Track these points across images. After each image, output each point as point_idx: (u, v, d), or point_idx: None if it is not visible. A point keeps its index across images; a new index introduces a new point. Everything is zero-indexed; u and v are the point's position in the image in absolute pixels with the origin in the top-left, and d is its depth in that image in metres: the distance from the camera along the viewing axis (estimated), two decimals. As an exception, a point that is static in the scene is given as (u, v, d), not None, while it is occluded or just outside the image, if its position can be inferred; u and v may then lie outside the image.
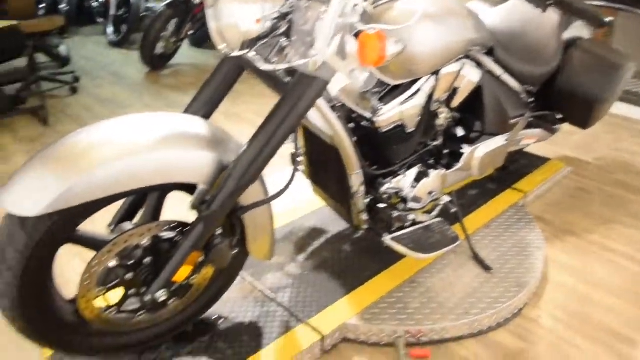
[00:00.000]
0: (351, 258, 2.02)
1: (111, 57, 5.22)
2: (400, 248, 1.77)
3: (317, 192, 2.02)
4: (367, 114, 1.64)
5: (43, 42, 4.38)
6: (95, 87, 4.32)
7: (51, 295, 1.38)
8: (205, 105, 1.54)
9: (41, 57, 4.56)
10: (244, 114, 3.68)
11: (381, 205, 1.79)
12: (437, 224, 1.91)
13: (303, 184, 2.34)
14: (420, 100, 1.68)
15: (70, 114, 3.79)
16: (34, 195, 1.18)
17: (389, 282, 1.90)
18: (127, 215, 1.57)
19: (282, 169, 2.40)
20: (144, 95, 4.13)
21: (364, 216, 1.81)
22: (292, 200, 2.35)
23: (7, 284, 1.27)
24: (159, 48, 4.58)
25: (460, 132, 1.98)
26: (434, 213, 1.93)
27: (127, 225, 1.53)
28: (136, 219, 1.59)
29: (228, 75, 1.54)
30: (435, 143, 1.89)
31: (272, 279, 1.93)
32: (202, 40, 5.45)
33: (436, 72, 1.70)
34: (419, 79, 1.67)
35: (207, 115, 1.54)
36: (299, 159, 2.00)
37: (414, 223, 1.87)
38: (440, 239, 1.84)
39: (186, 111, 1.54)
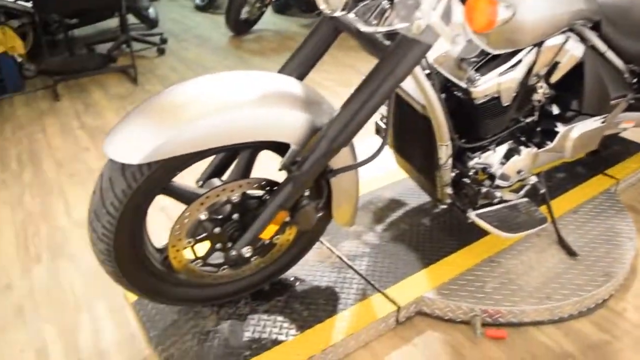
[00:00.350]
0: (430, 232, 1.99)
1: (197, 21, 5.31)
2: (484, 225, 1.73)
3: (400, 163, 1.99)
4: (463, 84, 1.59)
5: (134, 4, 4.50)
6: (181, 49, 4.41)
7: (143, 241, 1.42)
8: (300, 66, 1.53)
9: (131, 19, 4.70)
10: (325, 82, 3.67)
11: (467, 180, 1.74)
12: (524, 204, 1.84)
13: (385, 153, 2.30)
14: (519, 73, 1.61)
15: (157, 74, 3.90)
16: (135, 144, 1.20)
17: (468, 260, 1.86)
18: (216, 172, 1.59)
19: (363, 137, 2.37)
20: (227, 58, 4.18)
21: (448, 190, 1.77)
22: (372, 169, 2.32)
23: (105, 228, 1.31)
24: (244, 13, 4.61)
25: (556, 110, 1.89)
26: (521, 193, 1.86)
27: (216, 182, 1.56)
28: (224, 177, 1.61)
29: (324, 37, 1.52)
30: (528, 120, 1.81)
31: (349, 246, 1.92)
32: (286, 7, 5.45)
33: (539, 44, 1.61)
34: (520, 50, 1.59)
35: (300, 77, 1.53)
36: (383, 125, 1.98)
37: (500, 201, 1.80)
38: (526, 220, 1.78)
39: (280, 71, 1.54)
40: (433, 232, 1.99)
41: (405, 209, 2.13)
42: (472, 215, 1.74)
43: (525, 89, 1.70)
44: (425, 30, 1.25)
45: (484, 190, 1.73)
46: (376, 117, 1.95)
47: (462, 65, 1.59)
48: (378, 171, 2.34)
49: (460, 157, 1.74)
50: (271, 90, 1.33)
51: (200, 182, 1.60)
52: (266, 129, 1.30)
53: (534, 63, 1.64)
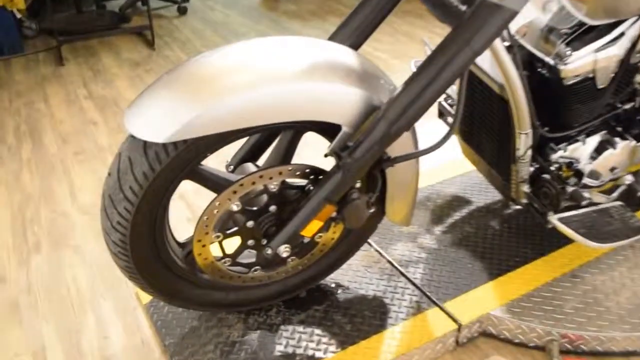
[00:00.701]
0: (499, 237, 1.97)
1: (224, -24, 5.34)
2: (568, 231, 1.70)
3: (467, 153, 1.97)
4: (550, 60, 1.56)
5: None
6: (206, 8, 4.45)
7: (164, 233, 1.44)
8: (353, 34, 1.51)
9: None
10: (376, 52, 3.65)
11: (548, 177, 1.72)
12: (617, 208, 1.82)
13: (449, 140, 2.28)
14: (620, 49, 1.57)
15: (178, 37, 3.94)
16: (161, 120, 1.21)
17: (544, 273, 1.83)
18: (250, 155, 1.60)
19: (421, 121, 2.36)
20: (260, 22, 4.20)
21: (525, 187, 1.75)
22: (432, 159, 2.30)
23: (121, 215, 1.33)
24: (280, -32, 4.63)
25: None
26: (614, 195, 1.83)
27: (250, 167, 1.56)
28: (259, 162, 1.62)
29: (383, 0, 1.50)
30: (627, 106, 1.77)
31: (402, 250, 1.92)
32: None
33: None
34: (623, 21, 1.55)
35: (355, 46, 1.52)
36: (453, 110, 1.96)
37: (588, 204, 1.77)
38: (619, 227, 1.76)
39: (331, 39, 1.53)
40: (503, 237, 1.98)
41: (470, 208, 2.12)
42: (554, 219, 1.72)
43: (626, 69, 1.66)
44: None
45: (569, 189, 1.70)
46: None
47: (551, 38, 1.57)
48: (438, 161, 2.32)
49: (541, 148, 1.71)
50: (321, 61, 1.32)
51: (231, 167, 1.61)
52: (314, 107, 1.30)
53: (639, 38, 1.60)
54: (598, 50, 1.55)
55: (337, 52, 1.38)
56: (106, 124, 2.94)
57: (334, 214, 1.45)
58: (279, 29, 4.06)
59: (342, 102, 1.32)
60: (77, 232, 2.22)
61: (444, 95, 2.00)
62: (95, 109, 3.09)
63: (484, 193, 2.18)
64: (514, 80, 1.51)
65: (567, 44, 1.56)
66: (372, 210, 1.49)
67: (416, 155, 1.44)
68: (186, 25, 4.13)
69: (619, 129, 1.79)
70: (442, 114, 2.03)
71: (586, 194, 1.73)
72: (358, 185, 1.46)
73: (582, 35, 1.56)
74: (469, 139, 1.92)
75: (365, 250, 1.92)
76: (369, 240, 1.95)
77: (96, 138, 2.83)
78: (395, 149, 1.44)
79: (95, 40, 3.92)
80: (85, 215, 2.31)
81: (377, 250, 1.92)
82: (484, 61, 1.65)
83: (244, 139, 1.56)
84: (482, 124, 1.81)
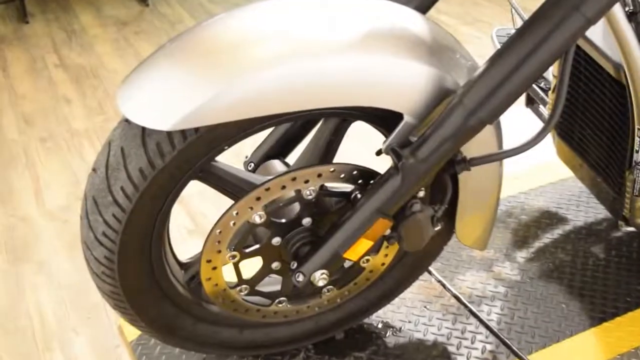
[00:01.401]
0: (604, 269, 1.96)
1: None
2: None
3: (564, 154, 1.97)
4: None
5: None
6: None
7: (163, 250, 1.45)
8: None
9: None
10: (440, 15, 3.65)
11: None
12: None
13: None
14: None
15: (177, -11, 3.98)
16: (166, 100, 1.22)
17: None
18: (276, 150, 1.61)
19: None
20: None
21: None
22: (515, 161, 2.30)
23: (108, 225, 1.34)
24: None
25: None
26: None
27: (278, 165, 1.57)
28: (289, 159, 1.62)
29: None
30: None
31: (473, 282, 1.93)
32: None
33: None
34: None
35: (421, 9, 1.52)
36: (548, 97, 1.95)
37: None
38: None
39: None
40: (610, 269, 1.97)
41: (566, 228, 2.11)
42: None
43: None
44: None
45: None
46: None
47: None
48: (524, 164, 2.31)
49: None
50: (377, 28, 1.32)
51: (251, 164, 1.62)
52: (367, 89, 1.29)
53: None
54: None
55: (399, 16, 1.38)
56: (83, 102, 2.98)
57: (387, 232, 1.45)
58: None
59: (405, 83, 1.32)
60: (42, 244, 2.24)
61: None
62: (68, 82, 3.12)
63: (584, 208, 2.17)
64: (636, 59, 1.50)
65: None
66: (438, 228, 1.48)
67: (500, 156, 1.44)
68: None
69: None
70: (531, 100, 2.03)
71: None
72: (421, 194, 1.45)
73: None
74: (568, 137, 1.91)
75: (424, 281, 1.92)
76: (430, 268, 1.95)
77: (69, 120, 2.86)
78: (472, 148, 1.43)
79: (69, -8, 3.98)
80: (54, 221, 2.34)
81: (439, 281, 1.93)
82: (595, 32, 1.64)
83: (270, 128, 1.57)
84: (588, 116, 1.80)
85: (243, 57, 1.25)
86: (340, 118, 1.48)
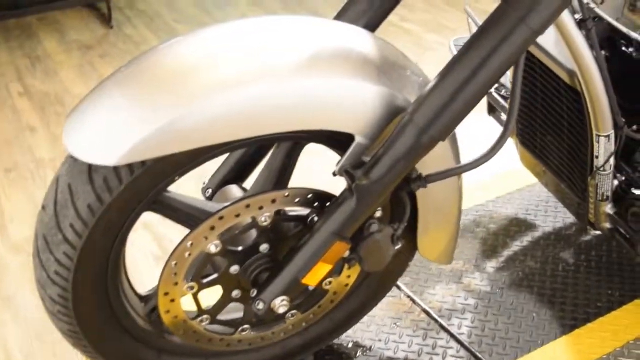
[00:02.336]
0: (574, 275, 1.96)
1: None
2: None
3: (527, 162, 1.97)
4: (637, 36, 1.54)
5: None
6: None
7: (119, 285, 1.42)
8: (369, 9, 1.50)
9: None
10: (404, 23, 3.63)
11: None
12: None
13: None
14: None
15: (144, 10, 3.94)
16: (110, 134, 1.20)
17: (638, 323, 1.82)
18: (234, 174, 1.59)
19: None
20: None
21: (608, 208, 1.73)
22: (484, 169, 2.29)
23: (60, 263, 1.32)
24: None
25: None
26: None
27: (235, 191, 1.54)
28: (247, 184, 1.61)
29: None
30: None
31: (442, 295, 1.92)
32: None
33: None
34: None
35: (371, 26, 1.50)
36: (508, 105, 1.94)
37: None
38: None
39: (339, 17, 1.51)
40: (580, 274, 1.97)
41: (535, 234, 2.11)
42: None
43: None
44: None
45: None
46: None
47: (637, 5, 1.55)
48: (492, 171, 2.31)
49: (630, 154, 1.70)
50: (325, 50, 1.31)
51: (209, 191, 1.60)
52: (315, 112, 1.28)
53: None
54: None
55: (347, 36, 1.37)
56: (47, 130, 2.94)
57: (346, 254, 1.43)
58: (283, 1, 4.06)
59: (354, 105, 1.31)
60: (7, 279, 2.21)
61: (496, 85, 1.98)
62: (33, 110, 3.09)
63: (553, 214, 2.17)
64: (588, 66, 1.49)
65: None
66: (398, 247, 1.46)
67: (456, 172, 1.43)
68: (156, -6, 4.14)
69: None
70: (493, 109, 2.02)
71: None
72: (379, 214, 1.43)
73: None
74: (530, 144, 1.91)
75: (393, 297, 1.90)
76: (399, 284, 1.94)
77: (34, 149, 2.83)
78: (428, 164, 1.42)
79: (33, 18, 3.94)
80: (19, 255, 2.30)
81: (409, 297, 1.91)
82: (548, 40, 1.64)
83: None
84: (548, 124, 1.79)
85: (190, 85, 1.23)
86: (294, 141, 1.46)
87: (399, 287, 1.94)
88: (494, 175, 2.30)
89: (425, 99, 1.29)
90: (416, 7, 3.86)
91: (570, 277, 1.96)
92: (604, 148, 1.61)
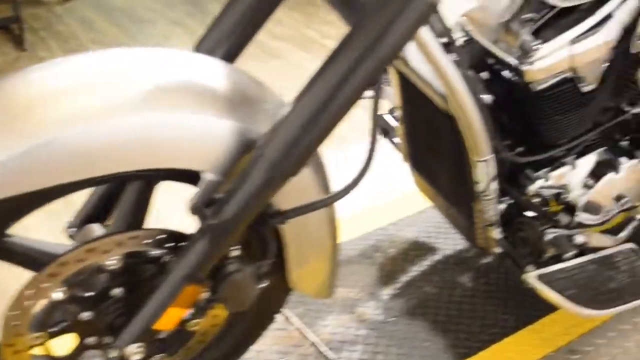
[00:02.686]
0: (470, 300, 1.95)
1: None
2: (550, 294, 1.66)
3: (420, 185, 1.95)
4: (511, 59, 1.52)
5: None
6: (101, -11, 4.38)
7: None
8: (229, 38, 1.45)
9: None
10: (274, 41, 3.60)
11: (528, 215, 1.70)
12: (626, 254, 1.78)
13: (397, 166, 2.21)
14: (607, 36, 1.53)
15: (59, 30, 3.87)
16: None
17: (532, 349, 1.82)
18: (95, 212, 1.52)
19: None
20: (175, 7, 4.15)
21: (496, 232, 1.71)
22: (386, 190, 2.27)
23: None
24: None
25: None
26: (623, 234, 1.80)
27: (96, 230, 1.48)
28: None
29: None
30: (634, 111, 1.73)
31: (334, 326, 1.88)
32: None
33: None
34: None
35: (229, 55, 1.45)
36: (393, 122, 1.95)
37: (584, 250, 1.74)
38: (627, 283, 1.71)
39: (199, 47, 1.46)
40: (476, 299, 1.95)
41: (434, 258, 2.09)
42: (531, 276, 1.67)
43: (623, 62, 1.62)
44: None
45: (555, 232, 1.67)
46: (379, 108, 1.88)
47: (511, 27, 1.52)
48: (393, 194, 2.28)
49: (515, 177, 1.68)
50: (172, 82, 1.27)
51: (73, 229, 1.53)
52: (158, 149, 1.23)
53: (636, 16, 1.56)
54: (575, 41, 1.51)
55: (198, 67, 1.33)
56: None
57: (206, 295, 1.37)
58: (200, 13, 4.00)
59: (200, 140, 1.26)
60: None
61: (390, 106, 1.94)
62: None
63: (453, 236, 2.14)
64: (458, 90, 1.46)
65: (534, 34, 1.51)
66: (264, 284, 1.42)
67: (317, 206, 1.39)
68: (73, 13, 4.05)
69: (625, 142, 1.77)
70: (386, 132, 1.98)
71: (580, 238, 1.71)
72: (236, 252, 1.37)
73: (554, 20, 1.52)
74: (419, 168, 1.89)
75: (281, 330, 1.86)
76: (289, 315, 1.89)
77: None
78: (287, 198, 1.37)
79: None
80: None
81: (298, 330, 1.87)
82: (422, 63, 1.59)
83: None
84: (432, 148, 1.78)
85: (27, 124, 1.18)
86: (144, 180, 1.39)
87: (288, 319, 1.88)
88: (397, 197, 2.26)
89: (275, 132, 1.25)
90: (286, 22, 3.82)
91: (466, 303, 1.93)
92: (483, 173, 1.58)
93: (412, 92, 1.70)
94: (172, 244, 1.36)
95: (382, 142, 2.01)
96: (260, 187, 1.25)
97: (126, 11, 4.07)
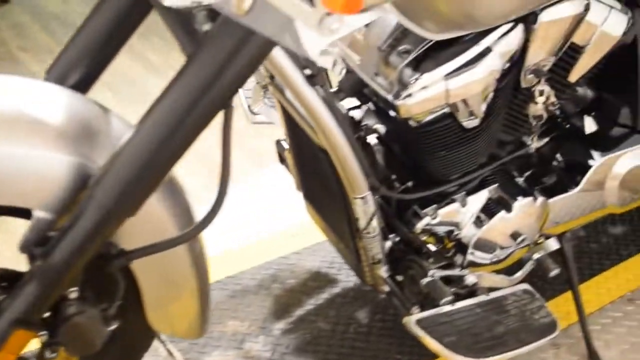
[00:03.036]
0: (365, 338, 1.89)
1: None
2: (428, 341, 1.61)
3: (314, 217, 1.91)
4: (385, 93, 1.47)
5: None
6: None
7: None
8: (81, 65, 1.38)
9: None
10: (129, 65, 3.47)
11: (416, 254, 1.66)
12: (519, 296, 1.75)
13: (290, 192, 2.18)
14: (486, 70, 1.48)
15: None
16: None
17: None
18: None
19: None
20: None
21: (383, 271, 1.67)
22: (278, 217, 2.22)
23: None
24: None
25: (584, 126, 1.81)
26: (518, 275, 1.78)
27: None
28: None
29: (123, 13, 1.37)
30: (530, 146, 1.71)
31: (218, 363, 1.82)
32: None
33: (528, 18, 1.49)
34: (488, 32, 1.47)
35: (82, 84, 1.39)
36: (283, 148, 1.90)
37: (473, 292, 1.71)
38: (515, 328, 1.68)
39: (48, 76, 1.39)
40: (372, 336, 1.90)
41: (333, 291, 2.04)
42: (411, 320, 1.63)
43: (515, 97, 1.60)
44: (256, 9, 1.09)
45: (443, 273, 1.65)
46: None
47: (389, 58, 1.47)
48: (292, 220, 2.21)
49: (402, 213, 1.65)
50: (7, 114, 1.21)
51: None
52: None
53: (525, 50, 1.53)
54: (451, 75, 1.45)
55: (40, 97, 1.28)
56: None
57: (44, 338, 1.29)
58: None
59: (32, 175, 1.20)
60: None
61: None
62: None
63: (345, 271, 2.09)
64: (326, 124, 1.41)
65: (416, 67, 1.46)
66: (113, 327, 1.35)
67: (163, 247, 1.31)
68: (6, 18, 3.96)
69: (519, 179, 1.74)
70: (283, 159, 1.94)
71: (471, 278, 1.69)
72: (75, 294, 1.30)
73: (435, 52, 1.47)
74: (311, 200, 1.86)
75: (162, 365, 1.79)
76: (171, 349, 1.79)
77: None
78: (134, 236, 1.31)
79: None
80: None
81: (179, 366, 1.79)
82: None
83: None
84: (316, 178, 1.72)
85: None
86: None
87: (171, 354, 1.79)
88: (302, 225, 2.20)
89: (107, 170, 1.19)
90: (156, 41, 3.72)
91: (360, 340, 1.88)
92: (361, 210, 1.54)
93: (294, 122, 1.65)
94: (5, 284, 1.30)
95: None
96: (92, 228, 1.19)
97: (61, 17, 3.98)
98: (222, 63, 1.15)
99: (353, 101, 1.64)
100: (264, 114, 1.85)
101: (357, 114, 1.65)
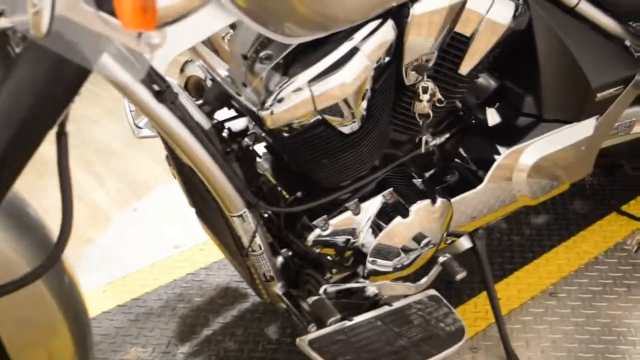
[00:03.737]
0: (272, 356, 1.86)
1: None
2: None
3: (208, 233, 1.86)
4: (251, 105, 1.40)
5: None
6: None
7: None
8: None
9: None
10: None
11: (311, 267, 1.63)
12: (424, 303, 1.73)
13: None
14: (356, 70, 1.40)
15: None
16: None
17: None
18: None
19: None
20: None
21: (277, 287, 1.63)
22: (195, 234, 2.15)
23: None
24: None
25: (488, 119, 1.78)
26: (424, 280, 1.74)
27: None
28: None
29: None
30: (428, 144, 1.65)
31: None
32: None
33: (400, 12, 1.43)
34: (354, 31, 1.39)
35: None
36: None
37: (375, 303, 1.69)
38: (418, 340, 1.64)
39: None
40: (279, 355, 1.86)
41: (243, 307, 2.00)
42: (303, 340, 1.57)
43: (401, 96, 1.55)
44: (61, 30, 1.02)
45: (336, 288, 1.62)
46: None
47: (254, 68, 1.39)
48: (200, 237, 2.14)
49: (292, 226, 1.59)
50: None
51: None
52: None
53: (399, 46, 1.46)
54: (315, 80, 1.38)
55: None
56: None
57: None
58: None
59: None
60: None
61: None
62: None
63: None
64: (183, 141, 1.34)
65: (281, 74, 1.39)
66: None
67: (5, 291, 1.22)
68: None
69: (419, 180, 1.69)
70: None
71: (371, 289, 1.68)
72: None
73: (299, 57, 1.40)
74: (201, 215, 1.81)
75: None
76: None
77: None
78: None
79: None
80: None
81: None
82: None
83: None
84: (201, 197, 1.66)
85: None
86: None
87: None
88: (189, 242, 2.20)
89: None
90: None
91: (268, 358, 1.84)
92: (241, 228, 1.50)
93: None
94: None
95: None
96: None
97: None
98: (31, 89, 1.10)
99: (231, 112, 1.59)
100: (149, 127, 1.78)
101: (240, 124, 1.60)
